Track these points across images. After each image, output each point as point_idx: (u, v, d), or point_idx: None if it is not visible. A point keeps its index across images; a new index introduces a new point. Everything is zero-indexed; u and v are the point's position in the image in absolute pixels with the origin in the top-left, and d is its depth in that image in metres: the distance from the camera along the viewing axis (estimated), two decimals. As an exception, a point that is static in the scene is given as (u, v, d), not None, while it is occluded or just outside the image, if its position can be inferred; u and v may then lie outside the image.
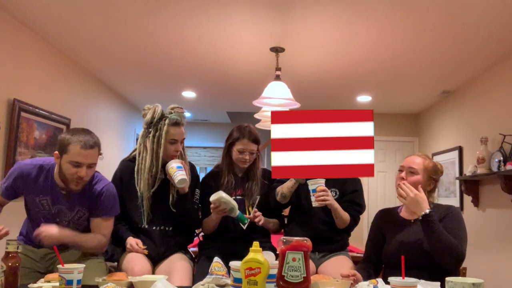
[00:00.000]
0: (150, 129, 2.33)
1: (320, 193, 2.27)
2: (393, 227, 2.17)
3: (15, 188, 2.20)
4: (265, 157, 6.87)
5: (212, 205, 2.28)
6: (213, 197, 2.27)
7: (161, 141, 2.30)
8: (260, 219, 2.41)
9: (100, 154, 2.14)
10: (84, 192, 2.17)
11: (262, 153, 6.84)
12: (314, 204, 2.29)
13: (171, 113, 2.33)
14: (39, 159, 2.26)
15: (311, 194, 2.30)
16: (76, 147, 2.02)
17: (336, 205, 2.37)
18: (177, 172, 2.25)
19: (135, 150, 2.44)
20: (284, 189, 2.44)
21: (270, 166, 6.57)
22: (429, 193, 2.14)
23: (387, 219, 2.24)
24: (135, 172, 2.36)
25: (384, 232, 2.21)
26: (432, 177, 2.13)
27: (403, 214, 2.20)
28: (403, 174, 2.14)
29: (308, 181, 2.32)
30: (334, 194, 2.47)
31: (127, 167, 2.43)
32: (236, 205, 2.32)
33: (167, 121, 2.30)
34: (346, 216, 2.42)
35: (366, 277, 2.01)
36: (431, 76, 4.84)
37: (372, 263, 2.22)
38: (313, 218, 2.48)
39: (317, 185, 2.29)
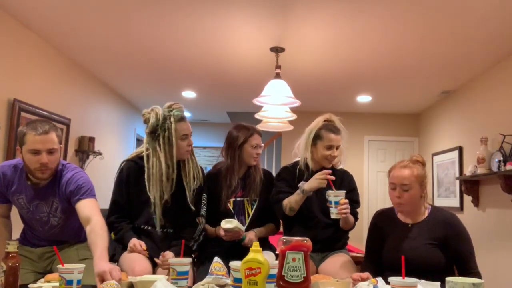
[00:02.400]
0: (158, 132, 2.28)
1: (344, 206, 2.25)
2: (392, 230, 2.16)
3: (1, 191, 2.20)
4: (265, 157, 6.86)
5: (224, 234, 2.36)
6: (228, 226, 2.33)
7: (172, 140, 2.25)
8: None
9: (59, 139, 2.11)
10: (54, 182, 2.17)
11: (262, 153, 6.85)
12: (336, 216, 2.28)
13: (171, 110, 2.30)
14: (15, 160, 2.26)
15: (332, 205, 2.27)
16: (31, 135, 2.03)
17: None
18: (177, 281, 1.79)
19: (136, 152, 2.42)
20: (293, 203, 2.42)
21: (269, 166, 6.54)
22: (423, 197, 2.13)
23: (386, 221, 2.23)
24: (146, 179, 2.29)
25: (383, 234, 2.20)
26: (424, 182, 2.11)
27: (400, 216, 2.19)
28: (397, 193, 2.09)
29: (329, 192, 2.29)
30: None
31: (133, 167, 2.38)
32: (243, 228, 2.42)
33: (172, 119, 2.26)
34: (352, 219, 2.46)
35: (373, 273, 2.04)
36: (431, 76, 4.83)
37: (374, 264, 2.23)
38: (316, 225, 2.48)
39: (340, 197, 2.27)
